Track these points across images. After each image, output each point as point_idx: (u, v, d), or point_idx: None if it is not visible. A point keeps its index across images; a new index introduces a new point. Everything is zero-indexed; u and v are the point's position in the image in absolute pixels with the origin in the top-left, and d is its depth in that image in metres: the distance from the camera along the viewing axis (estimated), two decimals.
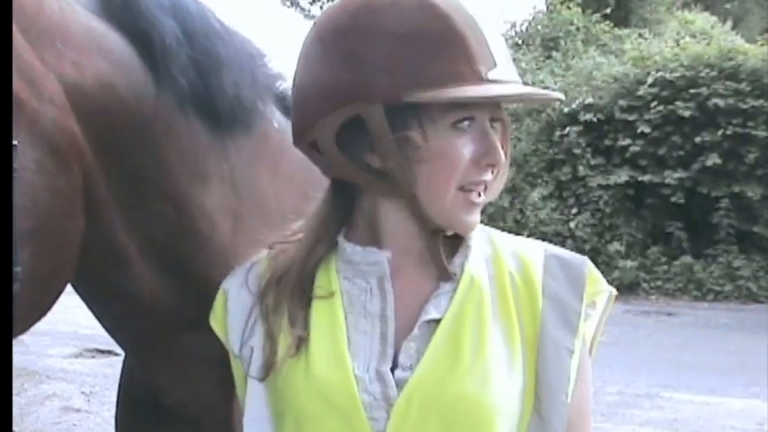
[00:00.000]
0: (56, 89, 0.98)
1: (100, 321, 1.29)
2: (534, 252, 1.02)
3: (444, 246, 0.98)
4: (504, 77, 0.92)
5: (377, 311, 0.96)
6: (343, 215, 1.01)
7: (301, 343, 0.95)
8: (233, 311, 1.04)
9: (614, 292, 1.03)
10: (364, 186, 0.97)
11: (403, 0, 0.91)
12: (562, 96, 0.97)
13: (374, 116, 0.89)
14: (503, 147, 0.95)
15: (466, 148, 0.91)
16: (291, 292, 0.98)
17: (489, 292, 0.97)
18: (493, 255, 1.01)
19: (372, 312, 0.96)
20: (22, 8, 0.95)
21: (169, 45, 1.12)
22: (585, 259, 1.02)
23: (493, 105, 0.93)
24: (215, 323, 1.06)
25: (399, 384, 0.92)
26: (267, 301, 0.99)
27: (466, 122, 0.91)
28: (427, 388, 0.91)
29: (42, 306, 1.02)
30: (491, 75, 0.90)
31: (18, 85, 0.91)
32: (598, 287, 1.01)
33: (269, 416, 0.99)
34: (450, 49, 0.89)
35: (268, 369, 0.96)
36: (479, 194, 0.94)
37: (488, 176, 0.94)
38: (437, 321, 0.94)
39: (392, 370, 0.93)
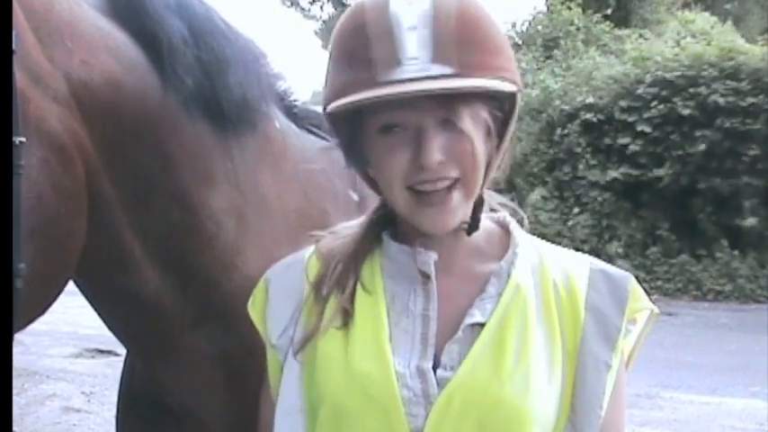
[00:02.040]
0: (62, 88, 0.98)
1: (104, 321, 1.29)
2: (580, 265, 1.02)
3: (490, 250, 1.01)
4: (412, 76, 0.88)
5: (419, 311, 0.97)
6: (388, 214, 1.03)
7: (346, 316, 0.97)
8: (274, 301, 1.05)
9: (656, 310, 1.03)
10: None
11: (345, 16, 0.96)
12: (463, 84, 0.89)
13: (326, 123, 1.00)
14: (465, 143, 0.91)
15: (395, 152, 0.92)
16: (341, 276, 1.00)
17: (534, 300, 0.97)
18: (539, 264, 1.01)
19: (415, 312, 0.97)
20: (32, 6, 0.95)
21: (175, 45, 1.12)
22: (630, 276, 1.02)
23: (435, 104, 0.90)
24: (253, 311, 1.07)
25: (440, 384, 0.92)
26: (316, 290, 1.01)
27: (391, 128, 0.92)
28: (468, 389, 0.91)
29: (43, 302, 1.03)
30: (388, 76, 0.88)
31: (25, 82, 0.92)
32: (640, 304, 1.01)
33: (302, 408, 0.99)
34: (355, 58, 0.92)
35: (307, 340, 0.98)
36: (446, 192, 0.92)
37: (436, 174, 0.91)
38: (481, 325, 0.95)
39: (433, 369, 0.93)
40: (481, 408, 0.91)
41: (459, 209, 0.94)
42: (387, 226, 1.04)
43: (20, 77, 0.91)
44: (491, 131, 0.96)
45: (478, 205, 0.99)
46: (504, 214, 1.07)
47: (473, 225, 0.99)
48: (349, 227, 1.07)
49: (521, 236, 1.05)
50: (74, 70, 1.00)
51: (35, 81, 0.94)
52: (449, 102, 0.90)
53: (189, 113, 1.15)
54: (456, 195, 0.93)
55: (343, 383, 0.94)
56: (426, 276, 0.98)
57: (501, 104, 0.97)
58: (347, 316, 0.97)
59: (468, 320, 0.95)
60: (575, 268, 1.02)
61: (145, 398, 1.40)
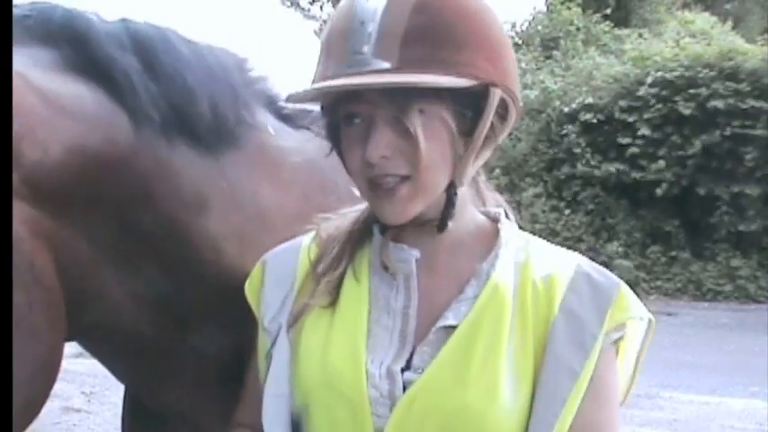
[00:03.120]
0: (13, 181, 0.91)
1: (97, 358, 1.27)
2: (566, 265, 0.98)
3: (475, 250, 1.00)
4: (351, 70, 0.89)
5: (400, 308, 0.97)
6: None
7: (333, 297, 0.99)
8: (268, 284, 1.06)
9: (645, 318, 0.97)
10: None
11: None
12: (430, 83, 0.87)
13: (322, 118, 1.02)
14: (417, 137, 0.89)
15: (353, 144, 0.94)
16: (335, 261, 1.02)
17: (511, 303, 0.94)
18: (524, 262, 0.98)
19: (395, 309, 0.97)
20: None
21: (132, 83, 1.09)
22: (619, 283, 0.97)
23: (385, 99, 0.89)
24: (249, 291, 1.08)
25: (407, 386, 0.92)
26: (313, 269, 1.02)
27: (350, 119, 0.94)
28: (431, 392, 0.90)
29: (33, 413, 0.99)
30: (336, 70, 0.90)
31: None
32: (627, 313, 0.95)
33: (289, 392, 0.99)
34: (322, 52, 0.96)
35: (297, 317, 0.99)
36: (389, 188, 0.92)
37: (384, 170, 0.90)
38: (453, 328, 0.94)
39: (404, 370, 0.93)
40: (443, 412, 0.90)
41: (409, 203, 0.92)
42: (376, 219, 1.03)
43: None
44: (453, 130, 0.91)
45: (448, 203, 0.96)
46: (498, 211, 1.05)
47: (441, 223, 0.97)
48: (350, 211, 1.08)
49: (509, 234, 1.02)
50: (24, 156, 0.93)
51: None
52: (400, 97, 0.88)
53: (169, 144, 1.11)
54: (404, 191, 0.91)
55: (317, 377, 0.95)
56: (408, 273, 0.98)
57: (475, 102, 0.91)
58: (334, 296, 0.99)
59: (441, 323, 0.94)
60: (559, 268, 0.97)
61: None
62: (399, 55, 0.87)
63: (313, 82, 0.94)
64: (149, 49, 1.13)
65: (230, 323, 1.18)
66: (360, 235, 1.03)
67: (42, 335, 0.95)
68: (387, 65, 0.87)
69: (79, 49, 1.07)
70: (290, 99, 0.95)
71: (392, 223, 0.95)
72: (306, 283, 1.02)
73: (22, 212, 0.93)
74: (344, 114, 0.94)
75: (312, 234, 1.08)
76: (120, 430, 1.54)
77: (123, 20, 1.16)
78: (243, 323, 1.11)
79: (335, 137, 1.00)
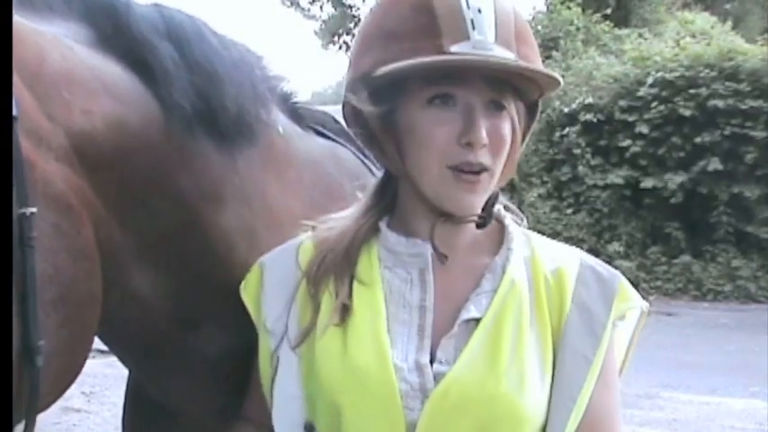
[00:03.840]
0: (63, 144, 0.94)
1: (103, 340, 1.28)
2: (570, 259, 1.04)
3: (486, 244, 1.03)
4: (479, 51, 0.92)
5: (416, 302, 0.98)
6: (386, 203, 1.05)
7: (345, 312, 0.97)
8: (269, 287, 1.06)
9: (645, 308, 1.04)
10: (379, 162, 1.05)
11: None
12: (557, 78, 0.99)
13: (360, 92, 0.98)
14: (504, 131, 0.96)
15: (442, 126, 0.94)
16: (336, 268, 1.01)
17: (528, 296, 0.98)
18: (531, 257, 1.02)
19: (412, 303, 0.98)
20: (25, 63, 0.91)
21: (168, 69, 1.09)
22: (618, 274, 1.04)
23: (486, 85, 0.94)
24: (246, 295, 1.08)
25: (436, 378, 0.93)
26: (312, 276, 1.02)
27: (441, 100, 0.94)
28: (464, 384, 0.92)
29: (71, 373, 1.00)
30: (456, 48, 0.92)
31: (28, 147, 0.88)
32: (630, 303, 1.02)
33: (301, 395, 0.99)
34: (417, 26, 0.94)
35: (305, 335, 0.99)
36: (475, 176, 0.95)
37: (477, 157, 0.94)
38: (476, 320, 0.96)
39: (430, 363, 0.94)
40: (476, 403, 0.91)
41: (485, 194, 0.98)
42: (383, 214, 1.05)
43: (24, 143, 0.87)
44: (517, 130, 0.99)
45: (493, 199, 1.01)
46: (499, 207, 1.07)
47: (486, 218, 1.01)
48: (342, 218, 1.07)
49: (515, 229, 1.06)
50: (74, 123, 0.95)
51: (37, 143, 0.90)
52: (499, 86, 0.95)
53: (192, 135, 1.12)
54: (485, 181, 0.96)
55: (342, 376, 0.95)
56: (423, 267, 0.99)
57: (528, 105, 1.02)
58: (346, 311, 0.98)
59: (464, 315, 0.96)
60: (565, 262, 1.03)
61: (151, 397, 1.40)
62: (517, 48, 0.95)
63: (412, 55, 0.92)
64: (182, 37, 1.14)
65: (238, 321, 1.18)
66: (362, 239, 1.03)
67: (86, 303, 0.96)
68: (511, 55, 0.94)
69: (117, 29, 1.07)
70: (388, 70, 0.94)
71: (465, 213, 0.98)
72: (304, 295, 1.02)
73: (70, 180, 0.94)
74: (436, 95, 0.95)
75: (307, 234, 1.08)
76: (120, 430, 1.54)
77: (156, 5, 1.16)
78: (250, 321, 1.11)
79: (385, 122, 0.98)
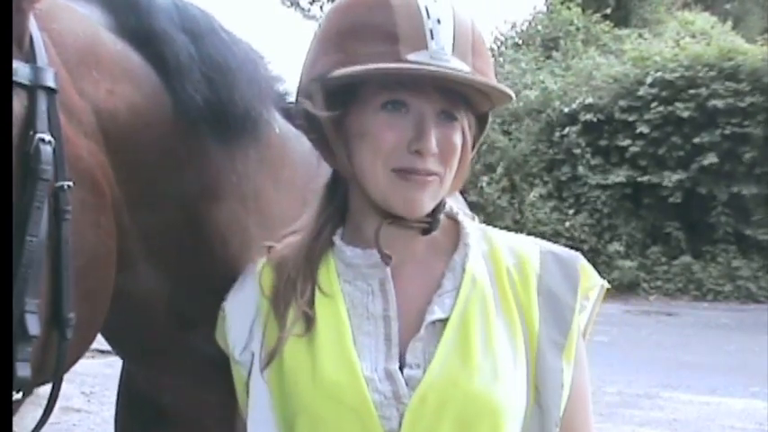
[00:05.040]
0: (92, 121, 0.96)
1: (106, 336, 1.28)
2: (530, 248, 1.05)
3: (442, 243, 1.02)
4: (436, 62, 0.92)
5: (380, 313, 0.97)
6: (336, 206, 1.04)
7: (309, 322, 0.97)
8: (231, 319, 1.06)
9: (606, 284, 1.06)
10: (327, 163, 1.04)
11: None
12: (509, 93, 0.97)
13: (315, 93, 0.98)
14: (455, 140, 0.95)
15: (392, 131, 0.94)
16: (298, 278, 1.00)
17: (491, 290, 0.99)
18: (490, 251, 1.03)
19: (375, 314, 0.97)
20: (60, 38, 0.93)
21: (183, 62, 1.10)
22: (578, 255, 1.06)
23: (439, 95, 0.95)
24: (218, 336, 1.09)
25: (409, 383, 0.93)
26: (280, 294, 1.01)
27: (393, 105, 0.94)
28: (440, 386, 0.92)
29: (87, 344, 1.01)
30: (414, 56, 0.92)
31: (64, 120, 0.89)
32: (592, 282, 1.04)
33: (273, 419, 0.99)
34: (376, 31, 0.94)
35: (272, 356, 0.98)
36: (422, 177, 0.94)
37: (425, 164, 0.93)
38: (442, 321, 0.95)
39: (400, 369, 0.94)
40: (455, 402, 0.91)
41: (432, 201, 0.97)
42: (335, 226, 1.04)
43: (61, 116, 0.88)
44: (467, 140, 0.99)
45: (439, 206, 1.00)
46: (450, 205, 1.07)
47: (432, 225, 1.01)
48: (297, 231, 1.07)
49: (469, 225, 1.06)
50: (101, 102, 0.97)
51: (69, 117, 0.91)
52: (452, 97, 0.95)
53: (196, 131, 1.13)
54: (434, 186, 0.96)
55: (314, 394, 0.94)
56: (382, 277, 0.99)
57: (478, 117, 1.02)
58: (309, 321, 0.97)
59: (430, 318, 0.95)
60: (525, 252, 1.04)
61: (143, 398, 1.40)
62: (472, 61, 0.95)
63: (371, 60, 0.92)
64: (196, 30, 1.15)
65: None
66: (319, 253, 1.02)
67: (104, 278, 0.99)
68: (467, 67, 0.94)
69: (138, 19, 1.08)
70: (345, 73, 0.94)
71: (412, 213, 0.97)
72: (268, 316, 1.01)
73: (97, 157, 0.96)
74: (390, 100, 0.95)
75: (262, 260, 1.07)
76: None
77: None
78: None
79: (337, 124, 0.98)
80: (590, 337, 1.06)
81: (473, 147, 1.02)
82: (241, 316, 1.04)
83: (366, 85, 0.95)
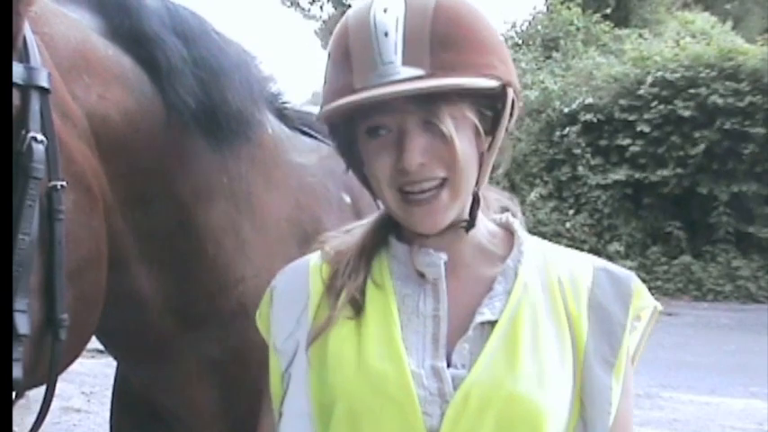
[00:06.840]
0: (84, 125, 0.96)
1: (102, 341, 1.28)
2: (583, 264, 1.04)
3: (496, 251, 1.03)
4: (383, 80, 0.91)
5: (429, 312, 0.98)
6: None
7: (357, 308, 0.98)
8: (279, 304, 1.05)
9: (660, 307, 1.05)
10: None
11: (337, 25, 1.00)
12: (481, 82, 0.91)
13: (327, 131, 1.03)
14: (451, 139, 0.91)
15: (380, 155, 0.94)
16: (349, 276, 1.01)
17: (542, 297, 0.98)
18: (543, 264, 1.02)
19: (425, 312, 0.98)
20: (53, 41, 0.93)
21: (174, 65, 1.10)
22: (632, 274, 1.05)
23: (415, 106, 0.91)
24: (260, 319, 1.08)
25: (454, 382, 0.93)
26: (329, 286, 1.02)
27: (376, 131, 0.94)
28: (484, 387, 0.92)
29: (78, 349, 1.01)
30: (362, 82, 0.92)
31: (57, 121, 0.89)
32: (644, 302, 1.03)
33: (310, 412, 0.99)
34: (339, 65, 0.96)
35: (320, 330, 0.98)
36: (423, 194, 0.93)
37: (419, 177, 0.92)
38: (491, 323, 0.96)
39: (447, 368, 0.94)
40: (498, 403, 0.91)
41: (449, 208, 0.95)
42: (392, 228, 1.04)
43: (54, 117, 0.89)
44: (479, 130, 0.95)
45: (475, 203, 0.99)
46: (506, 215, 1.08)
47: (470, 222, 1.00)
48: (355, 227, 1.08)
49: (524, 235, 1.06)
50: (93, 106, 0.98)
51: (63, 119, 0.92)
52: (428, 103, 0.91)
53: (188, 133, 1.13)
54: (444, 195, 0.94)
55: (357, 383, 0.95)
56: (436, 277, 0.99)
57: (492, 102, 0.96)
58: (358, 306, 0.98)
59: (479, 319, 0.96)
60: (578, 267, 1.03)
61: (138, 401, 1.40)
62: (431, 61, 0.91)
63: (333, 98, 0.94)
64: (188, 32, 1.15)
65: (224, 323, 1.18)
66: (373, 246, 1.04)
67: (96, 280, 0.99)
68: (419, 71, 0.91)
69: (129, 22, 1.08)
70: (321, 118, 0.96)
71: (430, 231, 0.96)
72: (323, 301, 1.02)
73: (89, 160, 0.97)
74: (368, 127, 0.95)
75: (319, 253, 1.07)
76: None
77: None
78: (235, 323, 1.10)
79: (351, 152, 1.02)
80: (638, 360, 1.04)
81: (495, 131, 0.97)
82: (290, 304, 1.04)
83: (354, 116, 0.96)
